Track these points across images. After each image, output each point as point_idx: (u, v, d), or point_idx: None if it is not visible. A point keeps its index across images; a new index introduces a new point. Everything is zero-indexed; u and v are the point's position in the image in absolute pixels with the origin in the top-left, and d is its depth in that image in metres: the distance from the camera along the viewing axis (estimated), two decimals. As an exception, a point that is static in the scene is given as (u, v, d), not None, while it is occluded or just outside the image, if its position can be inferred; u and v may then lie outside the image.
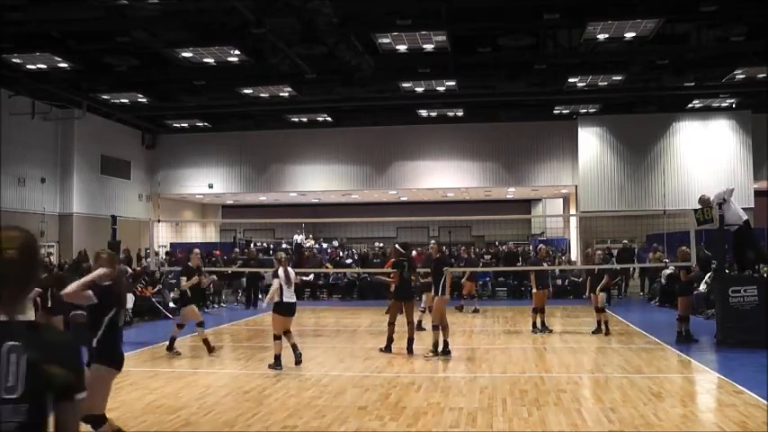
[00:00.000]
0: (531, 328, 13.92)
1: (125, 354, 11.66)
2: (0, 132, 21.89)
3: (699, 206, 12.92)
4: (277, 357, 9.93)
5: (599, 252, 15.02)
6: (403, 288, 11.43)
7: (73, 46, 18.91)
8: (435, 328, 10.68)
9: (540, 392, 8.12)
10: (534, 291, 13.99)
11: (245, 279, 21.11)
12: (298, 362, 9.97)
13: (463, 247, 26.26)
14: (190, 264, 12.12)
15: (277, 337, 9.99)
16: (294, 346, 10.12)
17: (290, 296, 10.10)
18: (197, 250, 12.56)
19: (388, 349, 11.25)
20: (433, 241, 11.64)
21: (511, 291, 23.04)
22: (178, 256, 26.39)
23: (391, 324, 11.40)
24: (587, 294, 14.36)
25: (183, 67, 20.56)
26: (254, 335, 14.24)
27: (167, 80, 22.85)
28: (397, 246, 12.23)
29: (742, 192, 24.11)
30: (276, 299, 10.05)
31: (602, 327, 13.31)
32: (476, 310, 17.78)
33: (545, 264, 14.98)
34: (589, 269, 14.39)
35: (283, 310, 10.04)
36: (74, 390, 2.01)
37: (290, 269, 10.39)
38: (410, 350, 11.11)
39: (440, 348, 10.67)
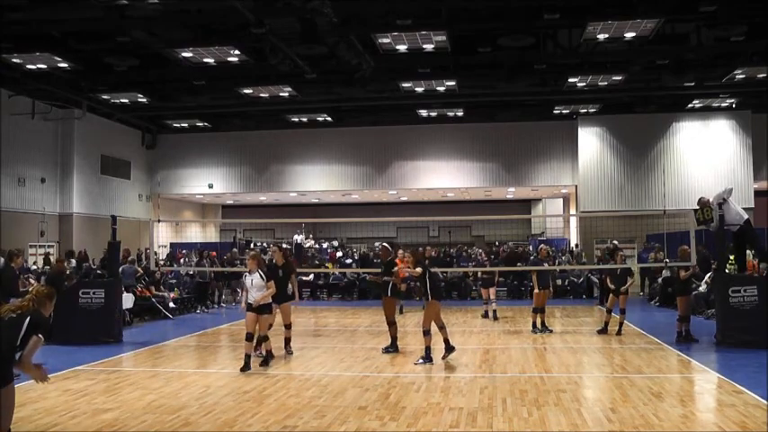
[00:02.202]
0: (532, 328, 13.91)
1: (126, 353, 11.77)
2: (0, 132, 21.91)
3: (700, 203, 12.93)
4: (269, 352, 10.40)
5: (621, 253, 14.94)
6: (395, 287, 11.53)
7: (73, 46, 18.91)
8: (425, 333, 10.42)
9: (540, 392, 8.12)
10: (536, 291, 13.97)
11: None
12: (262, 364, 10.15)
13: (480, 249, 26.24)
14: (275, 262, 11.42)
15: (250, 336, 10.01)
16: (269, 353, 10.40)
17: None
18: (275, 247, 12.13)
19: (394, 348, 11.26)
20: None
21: (511, 291, 23.03)
22: (177, 256, 26.45)
23: (391, 324, 11.41)
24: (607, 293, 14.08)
25: (183, 67, 20.55)
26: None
27: (167, 80, 22.84)
28: (386, 245, 12.17)
29: (742, 192, 24.14)
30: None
31: (619, 327, 13.33)
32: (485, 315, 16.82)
33: (545, 264, 14.94)
34: (610, 271, 14.26)
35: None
36: None
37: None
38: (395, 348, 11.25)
39: (425, 354, 10.40)
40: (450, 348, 10.43)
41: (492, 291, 16.79)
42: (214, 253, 23.06)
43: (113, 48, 19.06)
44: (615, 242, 22.64)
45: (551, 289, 16.02)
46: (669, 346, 11.81)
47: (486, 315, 16.60)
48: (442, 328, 10.47)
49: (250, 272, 9.99)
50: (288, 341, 11.29)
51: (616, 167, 27.25)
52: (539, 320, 13.89)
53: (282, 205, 37.84)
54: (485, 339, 13.05)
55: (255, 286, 9.87)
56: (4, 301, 8.66)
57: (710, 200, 12.76)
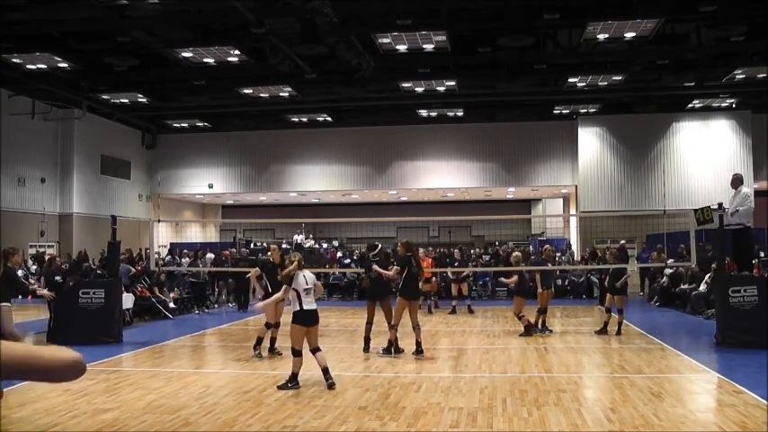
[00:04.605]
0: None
1: (126, 353, 11.76)
2: (0, 132, 21.92)
3: (732, 177, 13.06)
4: (294, 375, 8.45)
5: (611, 252, 14.95)
6: (371, 288, 11.74)
7: (73, 46, 18.93)
8: (392, 327, 10.89)
9: (540, 392, 8.11)
10: (539, 291, 13.94)
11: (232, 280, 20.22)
12: (330, 386, 8.31)
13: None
14: (273, 260, 11.08)
15: (297, 353, 8.36)
16: (325, 371, 8.40)
17: (309, 302, 8.40)
18: (275, 246, 12.17)
19: (366, 350, 11.43)
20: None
21: (510, 291, 22.97)
22: (177, 257, 26.39)
23: (368, 324, 11.54)
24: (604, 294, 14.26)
25: (183, 67, 20.56)
26: (255, 335, 14.20)
27: (167, 80, 22.87)
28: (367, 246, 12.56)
29: (742, 192, 24.16)
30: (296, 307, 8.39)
31: (618, 327, 13.30)
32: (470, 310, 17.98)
33: (548, 264, 14.91)
34: (606, 270, 14.26)
35: (302, 318, 8.36)
36: None
37: (306, 272, 8.57)
38: (397, 349, 11.07)
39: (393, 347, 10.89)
40: (391, 350, 10.83)
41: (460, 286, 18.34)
42: (227, 252, 22.65)
43: (113, 48, 19.08)
44: (623, 242, 22.70)
45: (553, 289, 16.02)
46: (669, 346, 11.80)
47: (453, 311, 17.57)
48: (392, 327, 10.86)
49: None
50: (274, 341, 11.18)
51: (616, 167, 27.25)
52: (539, 320, 13.86)
53: (282, 205, 37.84)
54: (485, 339, 13.04)
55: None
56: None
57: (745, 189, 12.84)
